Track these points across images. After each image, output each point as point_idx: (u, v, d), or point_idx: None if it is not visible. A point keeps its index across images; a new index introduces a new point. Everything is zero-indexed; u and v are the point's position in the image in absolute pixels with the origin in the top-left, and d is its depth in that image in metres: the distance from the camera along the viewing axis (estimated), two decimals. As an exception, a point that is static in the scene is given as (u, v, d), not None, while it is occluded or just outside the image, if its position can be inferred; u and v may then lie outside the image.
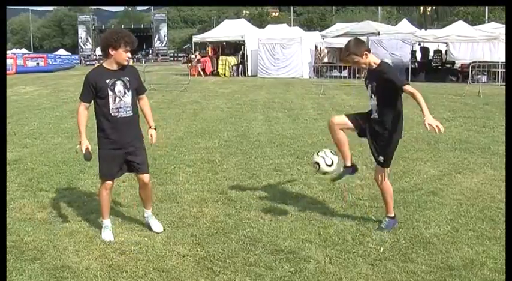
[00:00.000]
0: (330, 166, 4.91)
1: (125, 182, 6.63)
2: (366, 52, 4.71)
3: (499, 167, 7.14)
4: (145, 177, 4.79)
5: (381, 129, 4.78)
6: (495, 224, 4.94)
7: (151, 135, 4.84)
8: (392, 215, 4.96)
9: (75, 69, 47.36)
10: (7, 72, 29.58)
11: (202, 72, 30.37)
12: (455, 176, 6.79)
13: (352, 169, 5.08)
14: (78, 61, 64.01)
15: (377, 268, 4.06)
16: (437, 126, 4.32)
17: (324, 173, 5.01)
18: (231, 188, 6.33)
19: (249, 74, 30.09)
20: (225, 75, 30.13)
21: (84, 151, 4.63)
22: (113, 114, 4.55)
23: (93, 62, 53.94)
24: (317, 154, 5.00)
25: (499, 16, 56.10)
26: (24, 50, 77.08)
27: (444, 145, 8.80)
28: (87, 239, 4.70)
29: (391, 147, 4.83)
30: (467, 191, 6.06)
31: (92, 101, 4.65)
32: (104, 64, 4.60)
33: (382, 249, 4.39)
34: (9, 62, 33.95)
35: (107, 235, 4.74)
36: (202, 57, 32.97)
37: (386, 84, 4.62)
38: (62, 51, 78.35)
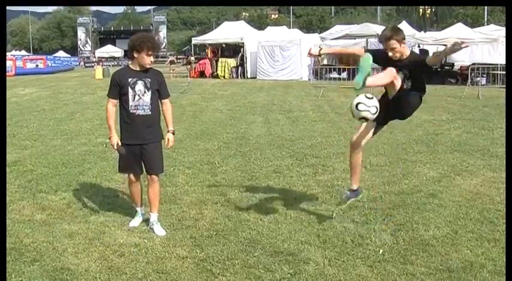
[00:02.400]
0: (374, 113, 4.55)
1: (124, 184, 6.63)
2: (404, 40, 4.65)
3: (498, 169, 7.14)
4: (154, 177, 4.98)
5: (407, 95, 4.72)
6: (494, 226, 4.94)
7: (167, 139, 4.96)
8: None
9: (75, 71, 47.38)
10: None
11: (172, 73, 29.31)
12: (455, 178, 6.79)
13: (357, 192, 5.20)
14: (78, 63, 64.02)
15: (376, 270, 4.06)
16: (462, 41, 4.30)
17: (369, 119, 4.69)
18: (231, 190, 6.33)
19: (249, 76, 30.12)
20: (224, 77, 30.16)
21: (115, 147, 4.90)
22: (131, 111, 4.79)
23: (93, 64, 53.91)
24: (356, 107, 4.55)
25: (498, 18, 56.24)
26: (23, 52, 77.12)
27: (443, 147, 8.81)
28: (87, 241, 4.70)
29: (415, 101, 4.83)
30: (466, 193, 6.06)
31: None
32: (129, 65, 4.91)
33: (381, 251, 4.40)
34: (8, 63, 33.94)
35: (133, 221, 5.10)
36: (198, 59, 33.21)
37: (420, 68, 4.64)
38: (61, 53, 78.38)
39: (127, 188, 6.37)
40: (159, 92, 4.88)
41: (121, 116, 4.90)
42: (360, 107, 4.52)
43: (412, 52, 4.87)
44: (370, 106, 4.49)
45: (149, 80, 4.78)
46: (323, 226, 5.00)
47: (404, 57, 4.70)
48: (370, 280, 3.92)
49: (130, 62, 4.94)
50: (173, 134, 5.00)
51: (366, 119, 4.62)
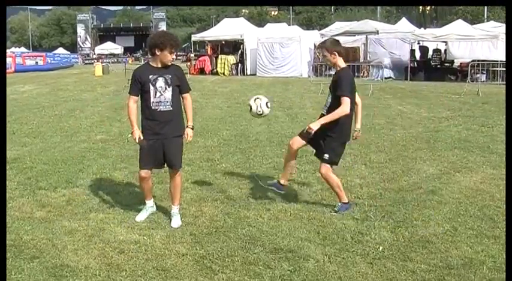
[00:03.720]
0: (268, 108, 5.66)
1: (124, 180, 6.64)
2: (336, 53, 5.25)
3: (498, 166, 7.14)
4: (174, 171, 5.09)
5: (326, 129, 5.24)
6: (494, 223, 4.94)
7: (186, 134, 5.08)
8: (346, 201, 5.40)
9: (74, 68, 47.36)
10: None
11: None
12: (455, 175, 6.79)
13: (282, 188, 5.74)
14: (77, 60, 63.95)
15: (376, 266, 4.06)
16: (309, 127, 5.14)
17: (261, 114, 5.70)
18: (230, 187, 6.33)
19: (248, 73, 30.09)
20: (224, 74, 30.13)
21: (137, 141, 4.95)
22: (153, 107, 4.89)
23: (93, 61, 53.86)
24: (255, 100, 5.65)
25: (498, 15, 56.16)
26: (23, 49, 77.03)
27: (443, 144, 8.80)
28: (86, 238, 4.70)
29: (335, 146, 5.32)
30: (466, 190, 6.06)
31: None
32: (149, 62, 5.01)
33: (381, 248, 4.40)
34: (8, 60, 33.93)
35: (140, 215, 5.20)
36: (198, 56, 33.26)
37: (335, 87, 5.23)
38: (61, 50, 78.34)
39: (126, 185, 6.40)
40: (180, 87, 5.01)
41: (142, 113, 4.98)
42: (269, 105, 5.69)
43: (343, 69, 5.33)
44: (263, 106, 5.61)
45: (169, 76, 4.89)
46: (323, 223, 5.00)
47: (338, 69, 5.34)
48: (369, 276, 3.92)
49: (150, 59, 5.02)
50: (192, 129, 5.12)
51: (262, 112, 5.65)
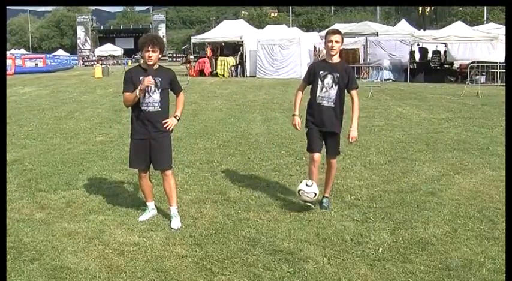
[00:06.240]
0: (313, 197, 5.39)
1: (124, 182, 6.64)
2: (341, 45, 5.51)
3: (498, 167, 7.14)
4: (166, 171, 5.15)
5: (335, 120, 5.52)
6: (494, 225, 4.94)
7: (170, 122, 5.05)
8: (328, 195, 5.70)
9: (74, 69, 47.36)
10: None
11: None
12: (454, 176, 6.79)
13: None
14: (77, 62, 63.97)
15: (376, 268, 4.06)
16: (353, 137, 5.45)
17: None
18: (230, 188, 6.33)
19: (248, 74, 30.08)
20: (223, 76, 30.14)
21: (147, 82, 4.83)
22: (142, 107, 5.00)
23: (92, 63, 53.87)
24: (299, 193, 5.49)
25: (498, 17, 56.25)
26: (23, 51, 77.06)
27: (443, 146, 8.81)
28: (86, 239, 4.70)
29: (340, 138, 5.61)
30: (465, 192, 6.06)
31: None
32: (140, 64, 5.17)
33: (380, 249, 4.40)
34: (7, 62, 33.92)
35: (143, 216, 5.25)
36: (198, 58, 33.29)
37: (347, 79, 5.42)
38: (60, 52, 78.39)
39: (126, 188, 6.41)
40: (172, 88, 5.15)
41: (132, 113, 5.09)
42: (301, 193, 5.37)
43: (343, 60, 5.61)
44: (309, 192, 5.33)
45: (160, 79, 4.99)
46: (322, 225, 5.00)
47: (339, 60, 5.58)
48: (369, 278, 3.92)
49: (141, 62, 5.20)
50: (177, 119, 5.12)
51: (306, 201, 5.42)
